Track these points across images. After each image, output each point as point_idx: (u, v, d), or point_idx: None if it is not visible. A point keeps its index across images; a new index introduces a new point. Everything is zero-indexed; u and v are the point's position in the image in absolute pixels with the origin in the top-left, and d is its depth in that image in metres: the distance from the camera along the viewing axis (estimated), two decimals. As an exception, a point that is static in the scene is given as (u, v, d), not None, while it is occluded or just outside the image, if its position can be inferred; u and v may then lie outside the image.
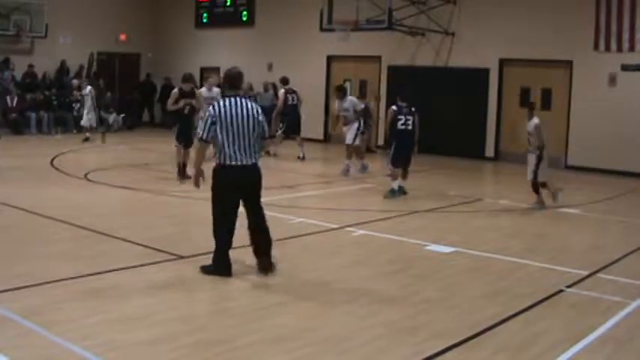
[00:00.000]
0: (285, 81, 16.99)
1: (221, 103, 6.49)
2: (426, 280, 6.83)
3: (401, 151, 11.57)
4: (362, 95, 20.13)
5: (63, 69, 22.19)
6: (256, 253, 6.66)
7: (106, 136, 18.61)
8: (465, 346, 5.06)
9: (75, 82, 21.39)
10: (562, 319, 5.73)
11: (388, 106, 18.03)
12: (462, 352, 4.97)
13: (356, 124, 13.99)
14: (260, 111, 6.58)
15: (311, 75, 20.23)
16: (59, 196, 10.67)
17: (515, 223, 10.00)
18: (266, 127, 6.64)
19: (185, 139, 12.06)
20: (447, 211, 10.64)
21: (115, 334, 4.98)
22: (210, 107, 6.53)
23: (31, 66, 21.36)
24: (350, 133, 13.99)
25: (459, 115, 17.59)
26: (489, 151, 17.81)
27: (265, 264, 6.62)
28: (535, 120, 10.68)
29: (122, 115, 22.28)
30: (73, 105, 20.93)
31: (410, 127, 11.47)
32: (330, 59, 20.71)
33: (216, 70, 22.49)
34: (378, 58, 19.50)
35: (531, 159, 10.75)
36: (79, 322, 5.19)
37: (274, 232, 8.42)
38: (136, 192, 11.05)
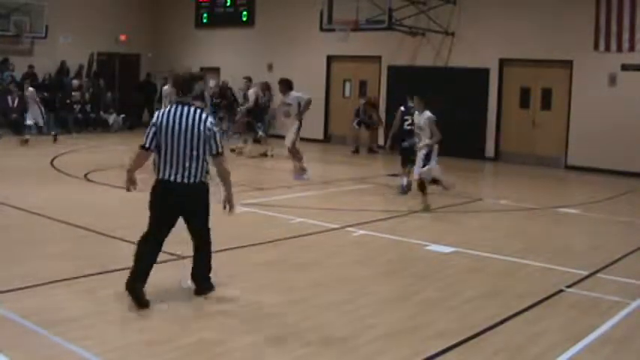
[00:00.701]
0: (251, 79, 17.09)
1: (165, 110, 5.77)
2: (426, 280, 6.83)
3: (403, 151, 11.63)
4: (362, 95, 20.19)
5: (63, 69, 22.17)
6: (192, 276, 6.12)
7: (58, 138, 18.03)
8: (465, 346, 5.06)
9: (75, 82, 21.40)
10: (562, 319, 5.73)
11: (389, 107, 18.24)
12: (462, 352, 4.96)
13: (296, 125, 13.00)
14: (211, 125, 5.68)
15: (311, 75, 20.22)
16: (59, 196, 10.66)
17: (515, 223, 9.99)
18: (216, 144, 5.69)
19: None
20: (447, 211, 10.64)
21: (115, 334, 4.99)
22: (155, 114, 5.95)
23: (31, 66, 21.35)
24: (290, 134, 13.06)
25: (458, 115, 17.56)
26: (489, 151, 17.82)
27: (200, 290, 6.03)
28: (427, 113, 10.34)
29: (122, 116, 22.27)
30: (74, 106, 20.96)
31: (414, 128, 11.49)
32: (330, 59, 20.70)
33: (217, 70, 22.55)
34: (378, 58, 19.49)
35: (421, 155, 10.41)
36: (79, 322, 5.19)
37: (274, 233, 8.49)
38: (136, 192, 11.01)
